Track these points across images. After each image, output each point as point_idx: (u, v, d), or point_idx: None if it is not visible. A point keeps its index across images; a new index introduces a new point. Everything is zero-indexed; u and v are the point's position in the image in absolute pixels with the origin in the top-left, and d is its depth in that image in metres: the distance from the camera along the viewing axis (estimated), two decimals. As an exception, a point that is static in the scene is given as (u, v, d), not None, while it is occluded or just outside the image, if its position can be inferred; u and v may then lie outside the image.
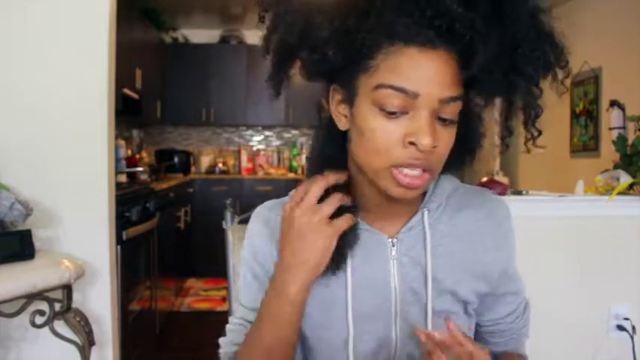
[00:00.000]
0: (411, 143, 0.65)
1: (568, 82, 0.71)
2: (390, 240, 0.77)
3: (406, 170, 0.67)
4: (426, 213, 0.78)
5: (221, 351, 0.83)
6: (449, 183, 0.81)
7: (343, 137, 0.75)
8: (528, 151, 0.72)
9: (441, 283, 0.77)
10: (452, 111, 0.66)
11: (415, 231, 0.78)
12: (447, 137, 0.68)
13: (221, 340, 0.84)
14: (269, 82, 0.75)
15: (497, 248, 0.81)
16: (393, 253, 0.77)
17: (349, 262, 0.76)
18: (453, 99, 0.66)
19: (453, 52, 0.65)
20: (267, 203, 0.84)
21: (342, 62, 0.68)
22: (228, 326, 0.85)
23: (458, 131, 0.72)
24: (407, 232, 0.78)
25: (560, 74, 0.69)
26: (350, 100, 0.70)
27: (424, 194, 0.80)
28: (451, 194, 0.81)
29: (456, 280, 0.78)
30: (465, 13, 0.61)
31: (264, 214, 0.83)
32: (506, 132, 0.74)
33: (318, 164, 0.78)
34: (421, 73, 0.64)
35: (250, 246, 0.83)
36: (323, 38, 0.67)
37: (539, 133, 0.71)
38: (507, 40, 0.64)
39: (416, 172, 0.67)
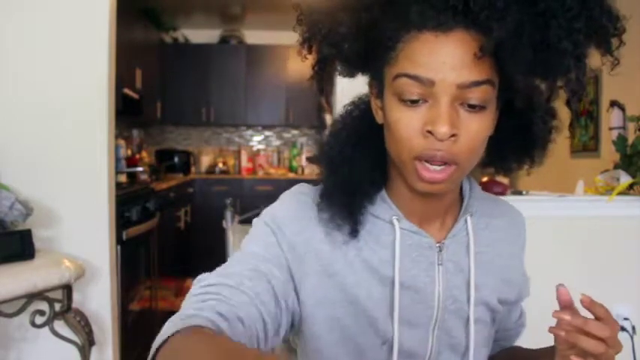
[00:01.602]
0: (429, 132, 0.62)
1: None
2: (437, 245, 0.75)
3: (427, 164, 0.64)
4: (469, 218, 0.76)
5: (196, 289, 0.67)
6: (478, 188, 0.81)
7: (380, 134, 0.72)
8: (573, 135, 0.68)
9: (479, 291, 0.76)
10: (478, 96, 0.62)
11: (459, 236, 0.76)
12: (474, 126, 0.63)
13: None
14: (311, 81, 0.74)
15: (517, 256, 0.84)
16: (439, 258, 0.74)
17: (397, 263, 0.72)
18: (476, 83, 0.61)
19: (474, 33, 0.60)
20: (305, 185, 0.78)
21: (363, 55, 0.68)
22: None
23: (508, 126, 0.70)
24: (452, 238, 0.76)
25: (614, 43, 0.62)
26: (380, 93, 0.70)
27: (462, 196, 0.79)
28: (481, 199, 0.81)
29: (491, 288, 0.78)
30: None
31: (311, 193, 0.76)
32: (548, 114, 0.71)
33: (354, 163, 0.73)
34: (436, 59, 0.61)
35: (290, 211, 0.74)
36: (341, 34, 0.67)
37: (577, 113, 0.68)
38: (539, 13, 0.58)
39: (437, 167, 0.64)
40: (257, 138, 5.77)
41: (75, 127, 2.11)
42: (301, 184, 0.79)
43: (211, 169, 5.48)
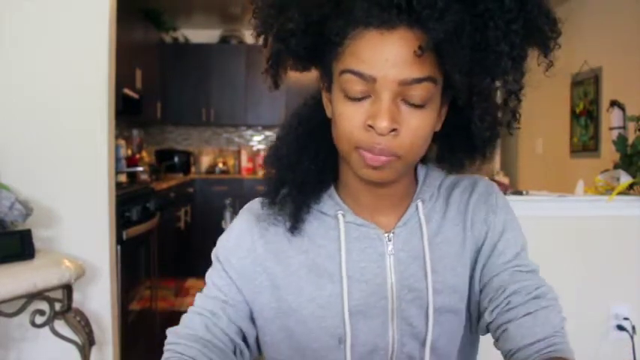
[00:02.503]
0: (370, 126, 0.65)
1: (555, 55, 0.66)
2: (386, 235, 0.75)
3: (367, 153, 0.67)
4: (420, 204, 0.77)
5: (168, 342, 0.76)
6: (438, 173, 0.81)
7: (330, 132, 0.73)
8: (510, 133, 0.71)
9: (440, 275, 0.75)
10: (420, 93, 0.64)
11: (411, 223, 0.76)
12: (415, 122, 0.65)
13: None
14: (266, 75, 0.74)
15: (484, 222, 0.79)
16: (390, 248, 0.75)
17: (343, 257, 0.74)
18: (417, 80, 0.63)
19: (417, 32, 0.62)
20: (258, 199, 0.81)
21: (312, 50, 0.69)
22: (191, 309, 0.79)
23: (456, 119, 0.72)
24: (403, 226, 0.76)
25: (551, 44, 0.65)
26: (329, 87, 0.72)
27: (416, 184, 0.79)
28: (442, 184, 0.81)
29: (455, 270, 0.76)
30: None
31: (256, 208, 0.80)
32: (486, 115, 0.71)
33: (301, 160, 0.76)
34: (379, 56, 0.63)
35: (233, 239, 0.79)
36: (290, 30, 0.67)
37: (514, 113, 0.68)
38: (478, 14, 0.60)
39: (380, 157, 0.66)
40: (257, 138, 5.77)
41: (75, 127, 2.11)
42: (254, 199, 0.82)
43: (211, 169, 5.48)
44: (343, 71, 0.66)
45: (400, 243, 0.76)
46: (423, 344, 0.75)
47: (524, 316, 0.71)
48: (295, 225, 0.76)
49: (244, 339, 0.78)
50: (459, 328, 0.78)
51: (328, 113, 0.74)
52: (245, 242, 0.78)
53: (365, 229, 0.75)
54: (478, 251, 0.78)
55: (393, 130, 0.64)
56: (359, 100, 0.65)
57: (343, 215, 0.76)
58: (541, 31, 0.63)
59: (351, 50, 0.65)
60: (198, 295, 0.79)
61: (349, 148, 0.68)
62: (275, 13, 0.69)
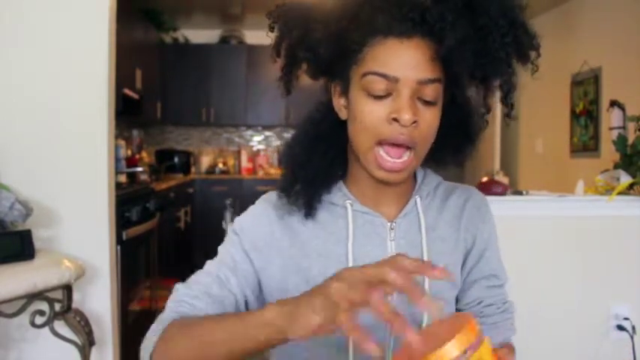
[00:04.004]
0: (395, 120, 0.74)
1: (538, 61, 0.79)
2: (388, 223, 0.85)
3: (388, 157, 0.76)
4: (418, 199, 0.87)
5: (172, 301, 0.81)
6: (435, 177, 0.92)
7: (339, 133, 0.84)
8: (507, 123, 0.83)
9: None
10: (431, 92, 0.75)
11: (410, 216, 0.86)
12: (428, 116, 0.76)
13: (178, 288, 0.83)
14: (279, 83, 0.85)
15: (476, 228, 0.90)
16: (392, 235, 0.85)
17: (350, 240, 0.83)
18: (431, 80, 0.75)
19: (428, 40, 0.74)
20: (273, 192, 0.89)
21: (333, 58, 0.79)
22: (193, 278, 0.84)
23: (450, 120, 0.82)
24: (403, 217, 0.86)
25: (532, 55, 0.78)
26: (346, 90, 0.81)
27: (415, 182, 0.89)
28: (438, 186, 0.92)
29: (449, 264, 0.85)
30: (436, 6, 0.73)
31: (273, 199, 0.88)
32: (484, 109, 0.85)
33: (314, 161, 0.85)
34: (400, 60, 0.74)
35: (251, 217, 0.87)
36: (316, 39, 0.78)
37: (512, 106, 0.81)
38: (479, 28, 0.73)
39: (397, 159, 0.77)
40: (257, 138, 5.77)
41: (75, 128, 2.11)
42: (269, 192, 0.90)
43: (211, 170, 5.48)
44: (366, 73, 0.76)
45: (401, 232, 0.85)
46: (420, 327, 0.82)
47: (489, 324, 0.87)
48: (309, 212, 0.84)
49: (246, 307, 0.84)
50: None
51: (342, 116, 0.83)
52: (263, 222, 0.86)
53: (370, 217, 0.85)
54: (467, 253, 0.89)
55: (414, 122, 0.74)
56: (381, 97, 0.75)
57: (351, 204, 0.85)
58: (524, 45, 0.76)
59: (372, 55, 0.75)
60: (209, 261, 0.85)
61: (369, 143, 0.77)
62: (298, 25, 0.80)
